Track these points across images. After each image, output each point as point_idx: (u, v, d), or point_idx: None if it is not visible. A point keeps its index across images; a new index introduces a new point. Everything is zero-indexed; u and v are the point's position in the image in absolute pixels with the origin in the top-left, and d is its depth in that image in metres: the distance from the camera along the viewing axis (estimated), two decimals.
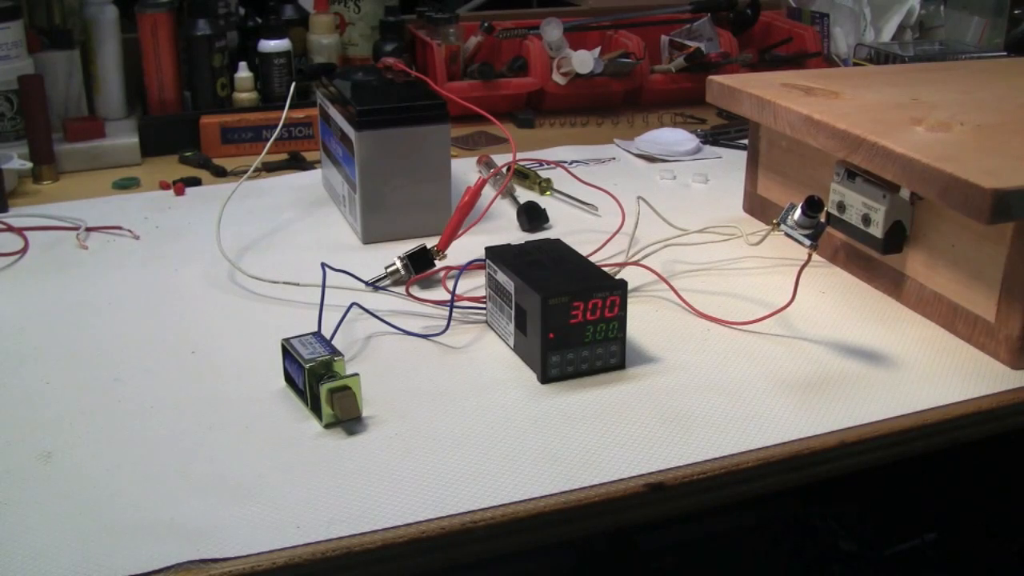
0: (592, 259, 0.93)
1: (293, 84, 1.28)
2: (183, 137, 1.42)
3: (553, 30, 1.61)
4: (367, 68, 1.31)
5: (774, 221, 0.91)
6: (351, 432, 0.77)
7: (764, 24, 1.83)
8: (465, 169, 1.34)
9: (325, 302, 0.91)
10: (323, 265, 0.96)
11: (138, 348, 0.89)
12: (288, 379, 0.82)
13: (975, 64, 1.40)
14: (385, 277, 1.01)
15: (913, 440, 0.79)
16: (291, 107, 1.23)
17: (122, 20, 1.45)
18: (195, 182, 1.31)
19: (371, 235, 1.12)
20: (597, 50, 1.62)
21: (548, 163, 1.34)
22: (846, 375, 0.85)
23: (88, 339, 0.91)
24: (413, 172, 1.10)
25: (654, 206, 1.16)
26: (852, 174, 0.97)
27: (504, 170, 1.19)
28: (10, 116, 1.34)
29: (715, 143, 1.49)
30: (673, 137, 1.45)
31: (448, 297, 0.94)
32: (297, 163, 1.39)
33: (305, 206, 1.24)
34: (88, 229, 1.14)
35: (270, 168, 1.37)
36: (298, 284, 1.00)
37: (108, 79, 1.46)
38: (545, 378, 0.84)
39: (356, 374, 0.78)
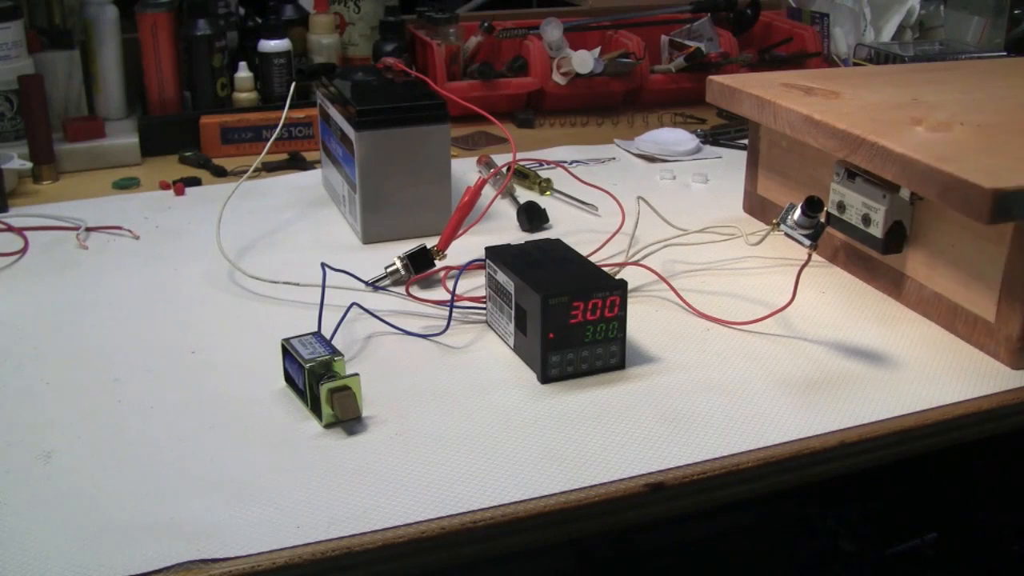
0: (592, 259, 0.93)
1: (293, 84, 1.28)
2: (183, 137, 1.42)
3: (553, 30, 1.61)
4: (367, 68, 1.31)
5: (774, 221, 0.91)
6: (351, 432, 0.77)
7: (764, 24, 1.83)
8: (465, 169, 1.34)
9: (325, 302, 0.91)
10: (323, 265, 0.96)
11: (138, 348, 0.89)
12: (288, 379, 0.82)
13: (975, 64, 1.40)
14: (385, 277, 1.01)
15: (913, 440, 0.79)
16: (291, 107, 1.22)
17: (122, 20, 1.45)
18: (195, 182, 1.31)
19: (371, 235, 1.12)
20: (597, 50, 1.62)
21: (548, 163, 1.34)
22: (846, 375, 0.85)
23: (88, 339, 0.91)
24: (413, 172, 1.10)
25: (654, 206, 1.16)
26: (852, 174, 0.97)
27: (504, 170, 1.19)
28: (10, 116, 1.34)
29: (715, 143, 1.49)
30: (673, 137, 1.45)
31: (448, 297, 0.94)
32: (297, 163, 1.39)
33: (305, 206, 1.24)
34: (88, 229, 1.14)
35: (270, 168, 1.37)
36: (298, 284, 1.00)
37: (108, 79, 1.46)
38: (545, 378, 0.84)
39: (356, 374, 0.78)
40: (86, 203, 1.24)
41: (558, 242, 0.94)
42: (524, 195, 1.25)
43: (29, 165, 1.29)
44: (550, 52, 1.61)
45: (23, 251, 1.09)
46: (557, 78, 1.59)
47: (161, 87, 1.46)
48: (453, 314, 0.93)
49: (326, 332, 0.85)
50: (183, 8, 1.48)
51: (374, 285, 1.01)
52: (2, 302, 0.98)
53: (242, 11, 1.59)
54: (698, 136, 1.48)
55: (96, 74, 1.45)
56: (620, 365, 0.86)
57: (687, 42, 1.71)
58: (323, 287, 0.93)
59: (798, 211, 0.88)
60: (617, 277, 0.86)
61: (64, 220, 1.16)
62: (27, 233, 1.13)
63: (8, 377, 0.84)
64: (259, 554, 0.63)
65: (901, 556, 1.16)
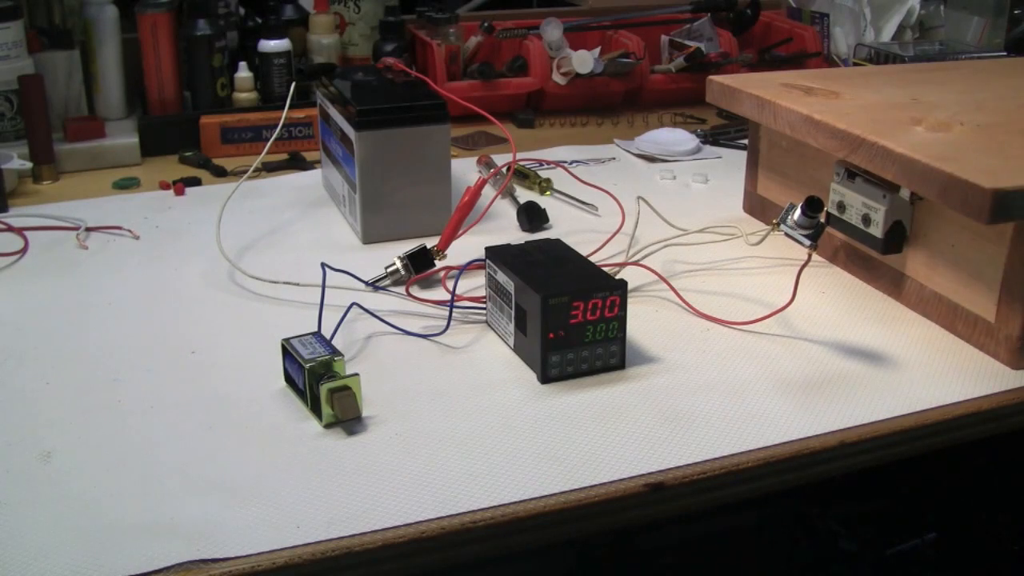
0: (592, 259, 0.93)
1: (293, 84, 1.28)
2: (183, 137, 1.42)
3: (553, 30, 1.61)
4: (367, 68, 1.31)
5: (774, 221, 0.91)
6: (351, 432, 0.77)
7: (764, 24, 1.83)
8: (465, 169, 1.34)
9: (325, 302, 0.91)
10: (323, 265, 0.96)
11: (138, 348, 0.89)
12: (288, 379, 0.82)
13: (975, 64, 1.40)
14: (385, 277, 1.01)
15: (913, 440, 0.79)
16: (291, 107, 1.22)
17: (122, 20, 1.45)
18: (195, 182, 1.31)
19: (371, 235, 1.12)
20: (597, 50, 1.62)
21: (548, 163, 1.34)
22: (846, 375, 0.85)
23: (88, 339, 0.91)
24: (413, 172, 1.10)
25: (654, 206, 1.16)
26: (852, 174, 0.97)
27: (504, 170, 1.19)
28: (10, 116, 1.34)
29: (715, 143, 1.49)
30: (673, 137, 1.45)
31: (448, 297, 0.94)
32: (297, 163, 1.39)
33: (305, 206, 1.24)
34: (88, 229, 1.14)
35: (270, 168, 1.37)
36: (298, 284, 1.00)
37: (108, 79, 1.46)
38: (545, 378, 0.84)
39: (356, 374, 0.78)
40: (86, 203, 1.24)
41: (558, 242, 0.94)
42: (524, 195, 1.25)
43: (29, 165, 1.29)
44: (550, 52, 1.61)
45: (23, 251, 1.09)
46: (557, 78, 1.59)
47: (161, 87, 1.46)
48: (453, 314, 0.93)
49: (326, 332, 0.85)
50: (183, 8, 1.48)
51: (374, 285, 1.01)
52: (2, 302, 0.98)
53: (242, 11, 1.59)
54: (698, 136, 1.48)
55: (96, 74, 1.45)
56: (620, 365, 0.86)
57: (687, 42, 1.71)
58: (323, 287, 0.93)
59: (798, 211, 0.88)
60: (617, 277, 0.86)
61: (64, 220, 1.16)
62: (27, 233, 1.13)
63: (8, 377, 0.84)
64: (259, 554, 0.63)
65: (901, 556, 1.16)
